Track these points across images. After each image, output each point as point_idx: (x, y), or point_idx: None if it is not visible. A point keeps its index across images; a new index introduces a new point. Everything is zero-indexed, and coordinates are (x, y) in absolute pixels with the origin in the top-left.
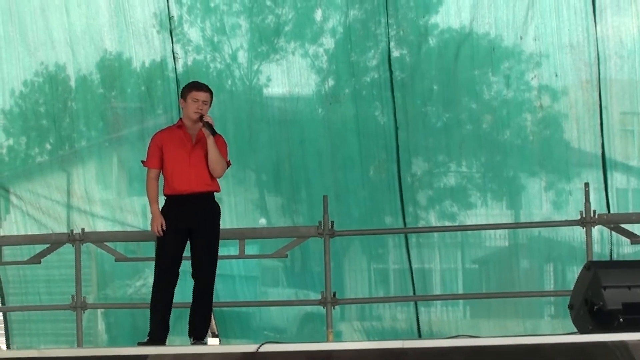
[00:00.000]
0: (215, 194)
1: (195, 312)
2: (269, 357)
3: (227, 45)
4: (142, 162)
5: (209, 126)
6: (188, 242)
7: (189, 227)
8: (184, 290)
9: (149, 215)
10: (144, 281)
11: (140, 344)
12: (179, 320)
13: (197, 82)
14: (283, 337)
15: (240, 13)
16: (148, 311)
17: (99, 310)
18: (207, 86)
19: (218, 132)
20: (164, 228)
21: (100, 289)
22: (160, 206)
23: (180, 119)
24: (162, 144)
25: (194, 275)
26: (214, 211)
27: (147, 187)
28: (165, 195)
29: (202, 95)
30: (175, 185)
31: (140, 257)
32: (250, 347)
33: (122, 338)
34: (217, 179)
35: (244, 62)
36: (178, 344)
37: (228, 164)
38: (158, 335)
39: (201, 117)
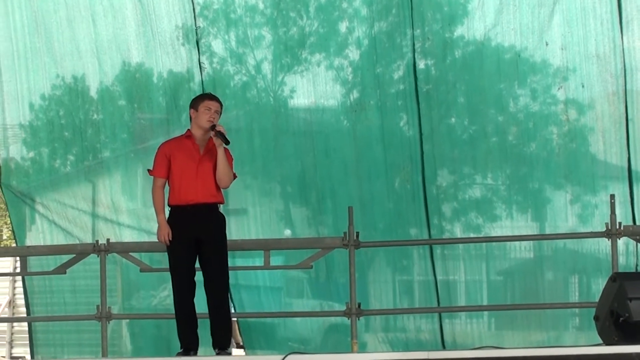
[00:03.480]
0: (221, 205)
1: (215, 324)
2: None
3: (252, 57)
4: (149, 170)
5: (222, 135)
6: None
7: (196, 237)
8: (202, 301)
9: None
10: (169, 292)
11: (179, 354)
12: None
13: (208, 92)
14: (308, 348)
15: (264, 24)
16: (172, 322)
17: (124, 321)
18: (217, 97)
19: (229, 140)
20: (171, 238)
21: (125, 299)
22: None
23: (189, 129)
24: (170, 153)
25: (206, 288)
26: (220, 221)
27: (153, 196)
28: (170, 205)
29: (214, 105)
30: (182, 195)
31: (166, 268)
32: (276, 358)
33: (147, 348)
34: (222, 191)
35: (269, 73)
36: (199, 354)
37: (234, 176)
38: (191, 345)
39: (213, 126)
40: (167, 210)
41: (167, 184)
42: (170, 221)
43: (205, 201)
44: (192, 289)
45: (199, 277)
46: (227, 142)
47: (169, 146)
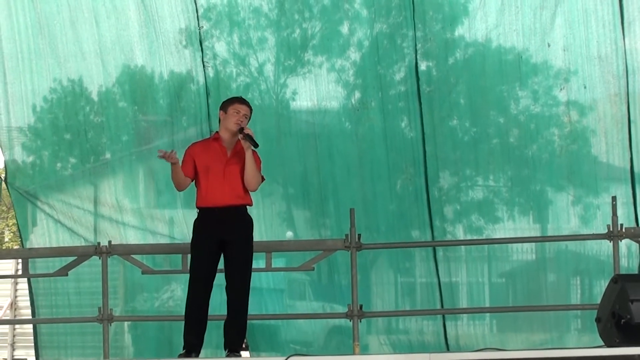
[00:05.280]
0: (247, 207)
1: (230, 325)
2: None
3: (254, 58)
4: None
5: (250, 138)
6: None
7: (222, 239)
8: (211, 302)
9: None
10: (171, 293)
11: (180, 356)
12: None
13: (240, 96)
14: (310, 350)
15: (267, 27)
16: (175, 323)
17: (126, 323)
18: (248, 102)
19: (258, 143)
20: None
21: (128, 301)
22: (193, 219)
23: (217, 132)
24: (196, 155)
25: (227, 289)
26: (247, 224)
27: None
28: (198, 208)
29: (243, 109)
30: (209, 197)
31: (167, 270)
32: None
33: (149, 351)
34: (250, 193)
35: (271, 75)
36: (203, 356)
37: (262, 179)
38: (193, 347)
39: (241, 129)
40: (195, 212)
41: (194, 185)
42: (197, 223)
43: (232, 203)
44: (208, 292)
45: (219, 280)
46: (255, 145)
47: (195, 148)
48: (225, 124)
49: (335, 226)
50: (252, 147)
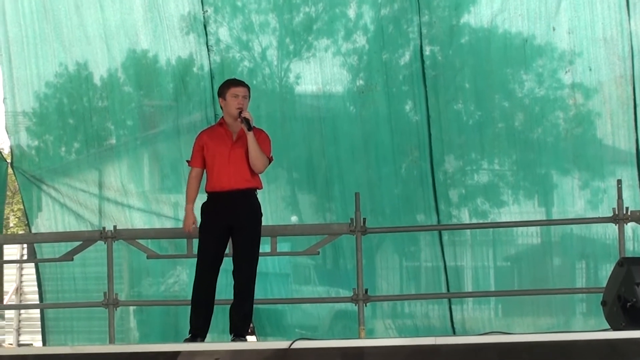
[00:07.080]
0: (257, 191)
1: (236, 310)
2: (301, 354)
3: (257, 43)
4: (187, 161)
5: (246, 122)
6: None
7: (229, 224)
8: (217, 286)
9: (183, 208)
10: (177, 278)
11: (186, 340)
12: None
13: (233, 78)
14: (315, 334)
15: (270, 11)
16: (180, 308)
17: (131, 308)
18: (243, 81)
19: (257, 127)
20: (196, 226)
21: (133, 286)
22: (199, 204)
23: (222, 117)
24: (204, 142)
25: (234, 274)
26: (254, 208)
27: (187, 185)
28: (206, 192)
29: (241, 91)
30: (215, 181)
31: (172, 255)
32: (283, 344)
33: (154, 335)
34: (259, 176)
35: (275, 60)
36: (209, 340)
37: (270, 160)
38: (198, 332)
39: (239, 112)
40: (200, 197)
41: (205, 170)
42: (205, 207)
43: (238, 187)
44: (215, 277)
45: (225, 265)
46: (249, 129)
47: (203, 135)
48: (227, 110)
49: (340, 210)
50: (247, 130)
